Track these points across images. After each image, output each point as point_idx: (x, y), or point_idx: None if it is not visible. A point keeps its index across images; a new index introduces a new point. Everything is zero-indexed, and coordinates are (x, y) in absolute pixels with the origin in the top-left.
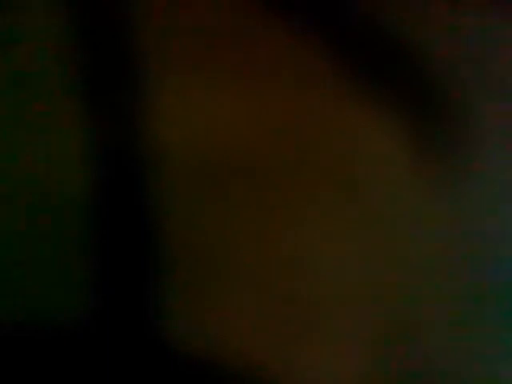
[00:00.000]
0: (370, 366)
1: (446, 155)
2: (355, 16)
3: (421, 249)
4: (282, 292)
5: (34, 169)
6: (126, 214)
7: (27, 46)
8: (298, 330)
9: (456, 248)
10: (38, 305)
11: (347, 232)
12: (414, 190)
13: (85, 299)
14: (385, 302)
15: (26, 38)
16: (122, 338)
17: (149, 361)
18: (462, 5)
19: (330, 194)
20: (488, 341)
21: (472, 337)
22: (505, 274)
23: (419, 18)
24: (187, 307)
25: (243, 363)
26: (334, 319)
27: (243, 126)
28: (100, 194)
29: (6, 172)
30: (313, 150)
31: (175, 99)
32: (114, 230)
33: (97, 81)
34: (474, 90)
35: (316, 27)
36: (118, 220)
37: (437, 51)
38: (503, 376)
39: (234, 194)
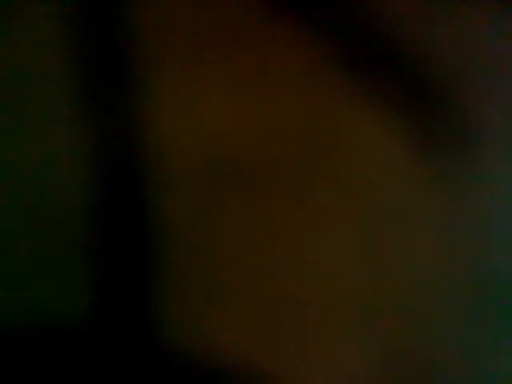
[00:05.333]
0: (369, 366)
1: (447, 155)
2: (357, 16)
3: (421, 248)
4: (282, 293)
5: (34, 169)
6: (126, 214)
7: (27, 47)
8: (296, 331)
9: (457, 246)
10: (39, 305)
11: (348, 233)
12: (416, 189)
13: (85, 300)
14: (384, 302)
15: (26, 40)
16: (121, 338)
17: (148, 361)
18: (463, 4)
19: (330, 194)
20: (487, 339)
21: (472, 335)
22: (506, 271)
23: (420, 18)
24: (186, 308)
25: (241, 364)
26: (334, 320)
27: (244, 126)
28: (100, 195)
29: (6, 172)
30: (314, 149)
31: (175, 100)
32: (114, 230)
33: (97, 81)
34: (475, 90)
35: (318, 28)
36: (118, 220)
37: (438, 51)
38: (503, 375)
39: (235, 195)
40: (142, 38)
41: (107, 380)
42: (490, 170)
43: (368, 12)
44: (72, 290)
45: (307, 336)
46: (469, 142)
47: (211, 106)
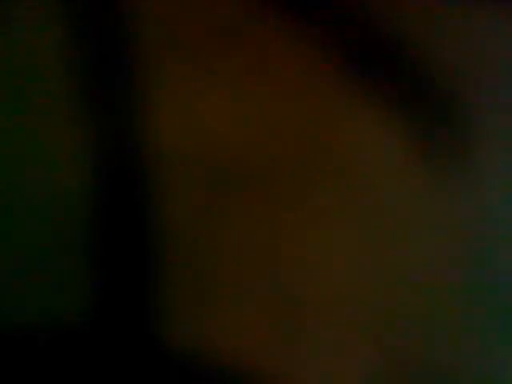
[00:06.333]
0: (369, 366)
1: (447, 154)
2: (357, 16)
3: (421, 248)
4: (282, 293)
5: (34, 169)
6: (126, 214)
7: (28, 46)
8: (296, 331)
9: (457, 246)
10: (39, 305)
11: (348, 233)
12: (416, 189)
13: (85, 300)
14: (384, 301)
15: (27, 39)
16: (121, 337)
17: (148, 361)
18: (463, 4)
19: (330, 194)
20: (488, 339)
21: (472, 335)
22: (506, 271)
23: (420, 17)
24: (185, 308)
25: (241, 364)
26: (334, 320)
27: (244, 126)
28: (100, 195)
29: (6, 172)
30: (314, 149)
31: (175, 100)
32: (114, 230)
33: (97, 80)
34: (475, 89)
35: (318, 28)
36: (117, 220)
37: (438, 51)
38: (502, 375)
39: (235, 195)
40: (141, 38)
41: (107, 380)
42: (490, 170)
43: (368, 12)
44: (72, 289)
45: (307, 336)
46: (469, 142)
47: (211, 105)
